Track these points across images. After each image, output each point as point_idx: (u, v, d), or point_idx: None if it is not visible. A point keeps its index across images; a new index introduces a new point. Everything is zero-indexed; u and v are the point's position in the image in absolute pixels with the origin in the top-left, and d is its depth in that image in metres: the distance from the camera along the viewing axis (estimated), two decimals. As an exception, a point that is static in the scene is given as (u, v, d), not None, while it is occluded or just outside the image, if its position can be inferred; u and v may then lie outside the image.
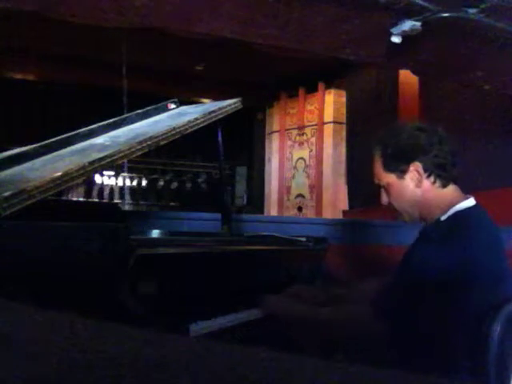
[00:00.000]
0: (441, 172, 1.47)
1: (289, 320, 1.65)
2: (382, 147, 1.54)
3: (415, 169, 1.47)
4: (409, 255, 1.50)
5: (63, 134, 1.71)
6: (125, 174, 7.37)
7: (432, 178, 1.47)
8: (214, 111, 1.91)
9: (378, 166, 1.56)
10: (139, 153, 1.56)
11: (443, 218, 1.47)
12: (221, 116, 1.95)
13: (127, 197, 7.70)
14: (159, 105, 2.15)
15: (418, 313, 1.40)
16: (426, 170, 1.47)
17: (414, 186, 1.49)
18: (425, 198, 1.49)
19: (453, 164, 1.48)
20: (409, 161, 1.47)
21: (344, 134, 7.24)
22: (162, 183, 8.14)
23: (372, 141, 1.60)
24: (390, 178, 1.52)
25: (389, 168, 1.52)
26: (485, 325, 1.34)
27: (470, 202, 1.51)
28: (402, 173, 1.49)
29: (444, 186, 1.49)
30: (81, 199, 7.35)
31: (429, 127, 1.51)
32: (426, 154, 1.46)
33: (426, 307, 1.40)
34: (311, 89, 7.50)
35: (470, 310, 1.37)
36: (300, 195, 7.64)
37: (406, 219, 1.58)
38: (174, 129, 1.71)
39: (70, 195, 7.23)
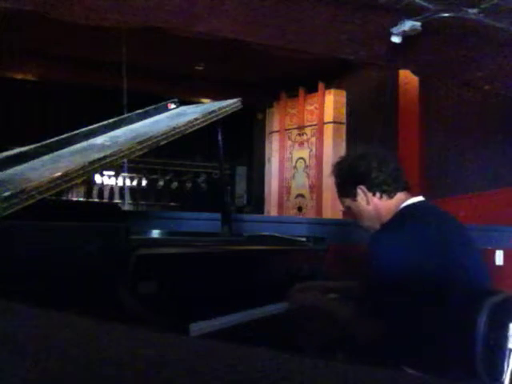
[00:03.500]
0: (384, 188, 1.73)
1: (317, 313, 1.77)
2: (334, 178, 1.84)
3: (361, 191, 1.75)
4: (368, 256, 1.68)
5: (63, 134, 1.71)
6: (125, 174, 7.36)
7: (378, 195, 1.73)
8: (214, 111, 1.91)
9: (337, 194, 1.86)
10: (139, 153, 1.56)
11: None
12: (221, 116, 1.95)
13: (127, 197, 7.69)
14: (159, 105, 2.15)
15: (388, 307, 1.54)
16: (370, 190, 1.74)
17: (366, 204, 1.75)
18: (377, 211, 1.75)
19: (395, 179, 1.73)
20: (355, 186, 1.75)
21: (344, 134, 7.24)
22: (161, 183, 8.14)
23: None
24: (346, 202, 1.81)
25: (343, 194, 1.82)
26: (470, 318, 1.44)
27: (417, 199, 1.74)
28: (353, 196, 1.77)
29: (391, 197, 1.74)
30: (81, 199, 7.35)
31: (369, 154, 1.77)
32: (367, 178, 1.73)
33: (392, 302, 1.53)
34: (311, 89, 7.51)
35: (423, 296, 1.48)
36: (300, 195, 7.64)
37: (372, 231, 1.79)
38: (174, 129, 1.71)
39: (70, 195, 7.23)
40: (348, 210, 1.84)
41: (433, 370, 1.47)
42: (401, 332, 1.51)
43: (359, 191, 1.75)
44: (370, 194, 1.73)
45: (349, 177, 1.78)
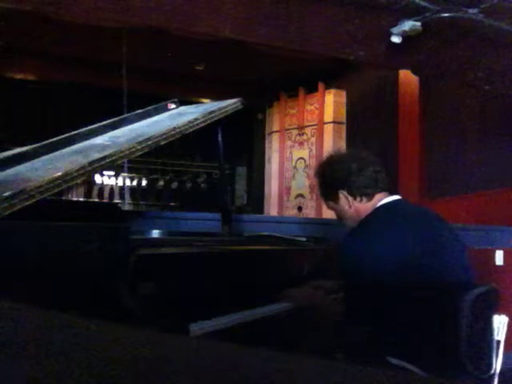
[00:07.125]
0: (364, 191, 1.78)
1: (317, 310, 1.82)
2: (317, 183, 1.91)
3: (343, 195, 1.81)
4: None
5: (63, 134, 1.71)
6: (125, 174, 7.36)
7: (358, 198, 1.79)
8: (213, 111, 1.91)
9: (320, 197, 1.94)
10: (139, 153, 1.56)
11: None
12: (221, 116, 1.94)
13: (127, 197, 7.69)
14: (159, 105, 2.15)
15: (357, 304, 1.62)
16: (351, 194, 1.79)
17: (348, 207, 1.81)
18: (358, 212, 1.80)
19: (375, 181, 1.77)
20: (336, 190, 1.82)
21: (344, 133, 7.24)
22: (161, 183, 8.14)
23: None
24: (330, 204, 1.89)
25: (326, 197, 1.89)
26: (450, 311, 1.49)
27: (392, 198, 1.79)
28: (335, 200, 1.84)
29: (371, 198, 1.78)
30: (81, 199, 7.35)
31: (348, 158, 1.82)
32: (347, 182, 1.78)
33: (360, 298, 1.61)
34: (311, 89, 7.50)
35: (388, 292, 1.54)
36: (300, 195, 7.64)
37: None
38: (174, 129, 1.71)
39: (69, 195, 7.23)
40: (332, 210, 1.92)
41: (417, 361, 1.50)
42: (377, 326, 1.57)
43: (341, 195, 1.81)
44: (351, 198, 1.79)
45: (330, 182, 1.84)
